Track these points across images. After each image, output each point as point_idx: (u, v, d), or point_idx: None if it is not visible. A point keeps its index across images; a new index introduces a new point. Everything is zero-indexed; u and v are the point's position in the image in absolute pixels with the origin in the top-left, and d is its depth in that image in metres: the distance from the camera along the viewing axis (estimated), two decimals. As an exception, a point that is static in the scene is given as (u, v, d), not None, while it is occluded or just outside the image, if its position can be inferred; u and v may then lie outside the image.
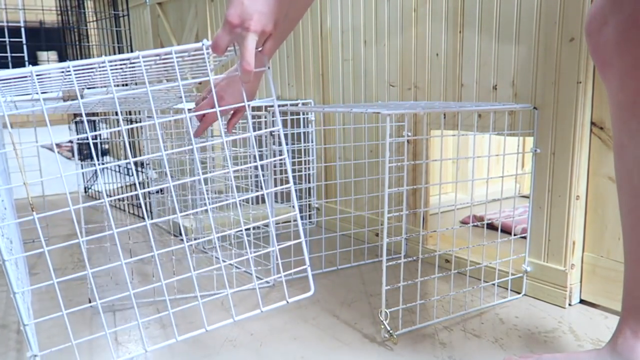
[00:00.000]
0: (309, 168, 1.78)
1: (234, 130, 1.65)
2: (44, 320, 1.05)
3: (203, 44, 0.79)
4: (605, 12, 0.80)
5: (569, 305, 1.16)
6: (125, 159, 2.44)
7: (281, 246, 0.91)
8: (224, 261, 0.83)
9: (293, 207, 1.61)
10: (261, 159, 1.82)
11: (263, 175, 1.31)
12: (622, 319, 0.86)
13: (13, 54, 1.62)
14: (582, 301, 1.18)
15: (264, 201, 1.89)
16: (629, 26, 0.77)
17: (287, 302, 0.91)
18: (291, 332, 1.06)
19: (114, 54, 2.32)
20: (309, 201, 1.82)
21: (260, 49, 0.85)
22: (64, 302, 1.22)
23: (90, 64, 0.71)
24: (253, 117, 1.77)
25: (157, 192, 2.05)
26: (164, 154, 0.71)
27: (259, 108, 1.88)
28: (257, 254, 1.42)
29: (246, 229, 1.65)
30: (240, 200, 1.72)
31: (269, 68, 0.89)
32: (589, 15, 0.83)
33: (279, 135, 0.90)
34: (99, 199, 2.16)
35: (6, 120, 0.68)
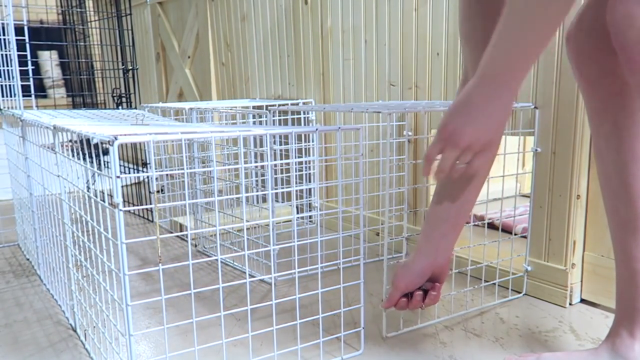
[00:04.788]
0: (309, 167, 1.78)
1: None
2: (145, 332, 1.07)
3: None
4: (575, 24, 0.83)
5: (570, 304, 1.16)
6: (126, 158, 2.44)
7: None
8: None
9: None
10: (262, 159, 1.82)
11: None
12: (617, 319, 0.87)
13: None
14: (582, 300, 1.18)
15: (264, 200, 1.89)
16: (587, 42, 0.80)
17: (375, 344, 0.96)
18: (291, 332, 1.06)
19: (117, 53, 2.32)
20: (309, 200, 1.82)
21: (464, 164, 0.77)
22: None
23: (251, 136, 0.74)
24: (254, 115, 1.77)
25: (158, 191, 2.06)
26: (165, 172, 0.71)
27: (259, 107, 1.88)
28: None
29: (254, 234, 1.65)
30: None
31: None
32: (570, 24, 0.85)
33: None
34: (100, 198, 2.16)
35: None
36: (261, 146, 1.92)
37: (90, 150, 0.85)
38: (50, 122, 1.00)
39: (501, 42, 0.71)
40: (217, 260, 1.52)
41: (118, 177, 0.71)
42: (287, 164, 1.76)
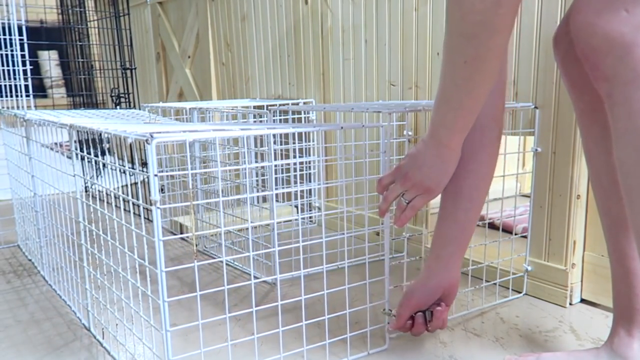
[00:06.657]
0: (309, 167, 1.79)
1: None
2: (179, 328, 1.08)
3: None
4: (562, 27, 0.84)
5: (570, 304, 1.17)
6: (125, 158, 2.43)
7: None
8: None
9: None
10: (262, 159, 1.83)
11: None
12: (615, 319, 0.88)
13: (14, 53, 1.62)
14: (582, 300, 1.18)
15: (264, 200, 1.89)
16: (573, 45, 0.80)
17: (369, 353, 0.98)
18: (292, 332, 1.06)
19: (115, 53, 2.32)
20: (309, 200, 1.83)
21: (405, 201, 0.92)
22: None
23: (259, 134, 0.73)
24: (254, 115, 1.77)
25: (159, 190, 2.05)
26: (166, 174, 0.71)
27: (260, 107, 1.88)
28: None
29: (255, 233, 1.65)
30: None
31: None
32: (556, 29, 0.86)
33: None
34: (100, 198, 2.17)
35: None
36: (262, 146, 1.92)
37: (89, 150, 0.85)
38: (59, 120, 1.01)
39: (437, 114, 0.83)
40: (219, 260, 1.52)
41: (156, 175, 0.71)
42: (288, 163, 1.76)
